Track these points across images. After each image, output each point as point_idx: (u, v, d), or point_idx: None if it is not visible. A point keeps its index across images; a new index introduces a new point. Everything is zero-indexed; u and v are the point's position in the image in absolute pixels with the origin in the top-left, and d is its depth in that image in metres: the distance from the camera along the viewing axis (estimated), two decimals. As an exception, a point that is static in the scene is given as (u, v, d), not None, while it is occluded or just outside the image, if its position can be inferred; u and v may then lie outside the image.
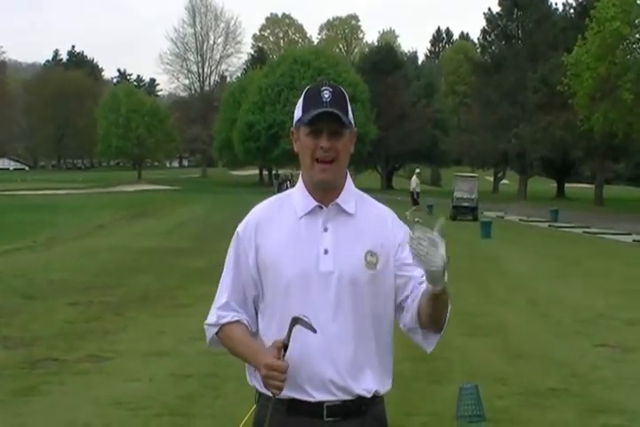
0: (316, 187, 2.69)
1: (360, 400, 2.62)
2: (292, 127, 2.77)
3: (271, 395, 2.54)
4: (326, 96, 2.64)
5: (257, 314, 2.75)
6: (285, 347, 2.48)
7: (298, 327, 2.49)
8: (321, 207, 2.69)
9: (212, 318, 2.76)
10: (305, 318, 2.47)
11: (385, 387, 2.71)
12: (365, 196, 2.80)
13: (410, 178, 35.10)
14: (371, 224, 2.71)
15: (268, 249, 2.67)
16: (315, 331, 2.47)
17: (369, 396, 2.63)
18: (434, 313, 2.59)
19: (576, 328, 10.59)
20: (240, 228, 2.77)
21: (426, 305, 2.57)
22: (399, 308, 2.73)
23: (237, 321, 2.72)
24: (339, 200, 2.69)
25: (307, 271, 2.61)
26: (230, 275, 2.76)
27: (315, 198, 2.69)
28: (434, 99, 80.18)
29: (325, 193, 2.69)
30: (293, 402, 2.60)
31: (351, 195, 2.74)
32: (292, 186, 2.87)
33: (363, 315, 2.63)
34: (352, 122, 2.71)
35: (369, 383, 2.64)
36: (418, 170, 37.14)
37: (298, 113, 2.70)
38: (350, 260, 2.62)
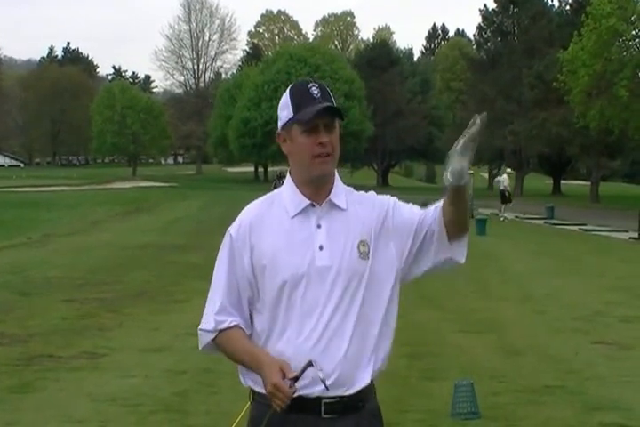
0: (314, 181, 2.67)
1: (357, 396, 2.61)
2: (278, 129, 2.74)
3: (273, 405, 2.52)
4: (316, 92, 2.63)
5: (251, 315, 2.72)
6: (296, 380, 2.48)
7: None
8: (313, 205, 2.67)
9: (208, 324, 2.70)
10: (320, 374, 2.49)
11: (381, 368, 2.69)
12: (351, 189, 2.79)
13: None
14: (360, 214, 2.70)
15: (263, 249, 2.64)
16: (327, 388, 2.51)
17: (365, 386, 2.62)
18: (457, 210, 2.60)
19: (572, 325, 10.59)
20: (232, 229, 2.72)
21: (448, 208, 2.59)
22: (425, 250, 2.69)
23: (235, 326, 2.68)
24: (331, 197, 2.68)
25: (304, 268, 2.59)
26: (224, 277, 2.70)
27: (306, 196, 2.67)
28: (429, 95, 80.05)
29: (318, 189, 2.68)
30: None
31: (341, 190, 2.73)
32: (287, 183, 2.85)
33: (362, 308, 2.62)
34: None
35: (367, 378, 2.64)
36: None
37: (287, 113, 2.66)
38: (345, 253, 2.61)
